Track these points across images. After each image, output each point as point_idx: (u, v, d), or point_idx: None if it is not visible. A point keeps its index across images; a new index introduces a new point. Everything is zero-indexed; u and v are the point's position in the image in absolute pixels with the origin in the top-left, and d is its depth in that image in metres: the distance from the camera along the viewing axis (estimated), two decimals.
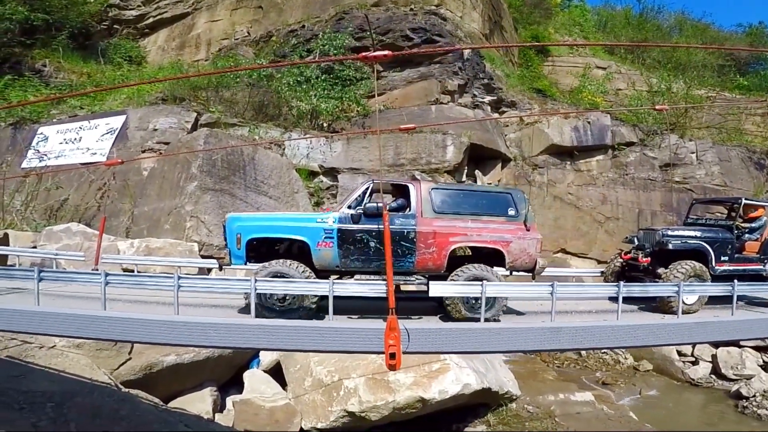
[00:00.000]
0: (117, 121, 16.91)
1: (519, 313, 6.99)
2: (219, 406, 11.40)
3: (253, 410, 10.89)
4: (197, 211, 14.84)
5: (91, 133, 16.73)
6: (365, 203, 6.51)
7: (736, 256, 8.06)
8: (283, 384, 11.74)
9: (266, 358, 12.29)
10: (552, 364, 18.05)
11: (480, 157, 21.35)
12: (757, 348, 17.97)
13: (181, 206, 14.95)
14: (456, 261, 6.76)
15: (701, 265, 7.45)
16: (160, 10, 24.62)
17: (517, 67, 29.55)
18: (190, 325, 5.53)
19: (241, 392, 11.50)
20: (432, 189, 6.79)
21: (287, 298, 6.25)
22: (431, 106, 20.89)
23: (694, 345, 18.59)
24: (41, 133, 17.35)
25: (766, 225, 8.58)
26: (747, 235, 8.45)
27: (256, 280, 5.72)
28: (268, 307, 6.25)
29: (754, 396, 14.88)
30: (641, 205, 20.66)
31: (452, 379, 10.84)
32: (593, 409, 13.39)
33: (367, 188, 6.77)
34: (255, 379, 11.73)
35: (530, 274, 7.07)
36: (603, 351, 19.26)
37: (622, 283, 6.48)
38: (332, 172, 17.85)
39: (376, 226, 6.32)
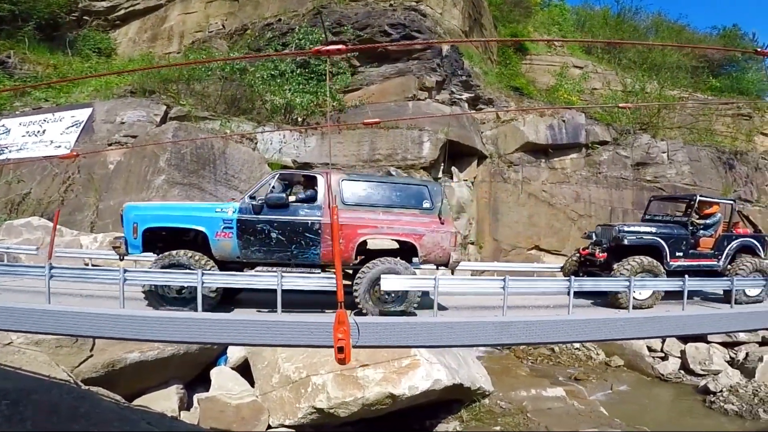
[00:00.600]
0: (83, 114, 16.46)
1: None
2: (186, 404, 11.21)
3: (218, 407, 10.76)
4: None
5: (56, 126, 16.25)
6: (267, 194, 6.42)
7: (690, 251, 8.16)
8: (252, 381, 11.60)
9: (234, 355, 12.10)
10: (526, 360, 18.18)
11: (457, 154, 21.33)
12: (724, 344, 18.36)
13: (148, 200, 14.66)
14: (376, 254, 6.70)
15: (653, 260, 7.51)
16: (132, 1, 24.00)
17: (496, 65, 29.66)
18: (136, 318, 5.38)
19: (208, 390, 11.34)
20: (342, 180, 6.72)
21: (183, 288, 6.15)
22: (408, 102, 20.80)
23: (663, 340, 18.96)
24: (2, 126, 16.81)
25: (720, 221, 8.73)
26: (702, 232, 8.56)
27: (203, 274, 5.57)
28: (162, 296, 6.16)
29: (721, 391, 15.20)
30: (613, 203, 20.93)
31: (422, 375, 10.83)
32: (564, 405, 13.54)
33: (272, 178, 6.69)
34: (222, 377, 11.58)
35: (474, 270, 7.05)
36: (575, 347, 19.52)
37: (572, 278, 6.49)
38: (306, 167, 17.65)
39: (278, 217, 6.26)
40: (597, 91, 27.24)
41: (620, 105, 12.66)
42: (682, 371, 17.41)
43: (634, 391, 16.25)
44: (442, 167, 20.62)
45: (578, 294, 7.21)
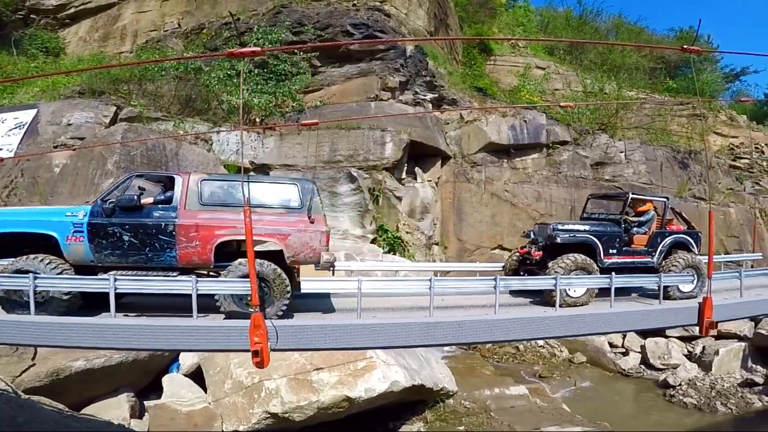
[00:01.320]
0: (27, 115, 15.74)
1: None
2: (138, 412, 10.97)
3: (169, 415, 10.53)
4: None
5: None
6: (119, 196, 6.28)
7: (624, 249, 8.21)
8: (206, 388, 11.37)
9: (186, 361, 11.91)
10: (491, 359, 18.25)
11: (420, 155, 21.30)
12: (682, 338, 18.81)
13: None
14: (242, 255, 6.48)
15: (585, 257, 7.52)
16: None
17: (461, 66, 29.83)
18: (40, 325, 5.09)
19: (161, 398, 11.06)
20: (202, 180, 6.57)
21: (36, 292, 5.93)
22: (370, 102, 20.65)
23: (624, 336, 19.33)
24: None
25: (653, 219, 8.82)
26: (636, 229, 8.63)
27: (115, 279, 5.33)
28: (15, 301, 5.98)
29: (680, 385, 15.56)
30: (573, 202, 21.22)
31: (379, 377, 10.78)
32: (527, 403, 13.60)
33: (125, 180, 6.55)
34: (175, 384, 11.37)
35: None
36: (540, 344, 19.72)
37: (498, 277, 6.47)
38: (264, 169, 17.32)
39: (130, 220, 6.13)
40: (558, 92, 27.66)
41: (561, 104, 12.78)
42: (643, 366, 17.75)
43: (597, 387, 16.45)
44: (405, 168, 20.54)
45: (519, 293, 7.21)
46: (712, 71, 34.41)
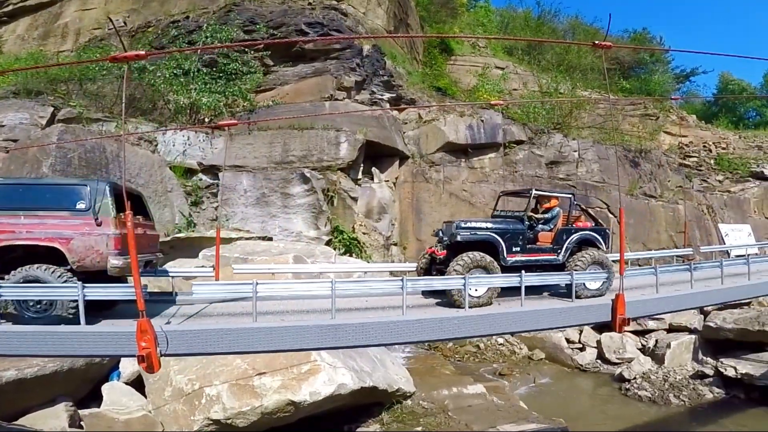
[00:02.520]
0: None
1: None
2: (77, 422, 10.47)
3: (105, 423, 10.25)
4: None
5: None
6: None
7: (528, 247, 8.02)
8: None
9: (127, 369, 11.52)
10: (452, 359, 18.24)
11: (377, 155, 21.16)
12: (635, 332, 19.15)
13: None
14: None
15: (485, 255, 7.30)
16: None
17: (421, 65, 29.88)
18: None
19: (101, 406, 10.70)
20: None
21: None
22: (325, 102, 20.38)
23: (580, 331, 19.61)
24: None
25: (559, 216, 8.64)
26: (541, 226, 8.45)
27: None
28: None
29: (634, 378, 15.81)
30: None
31: (324, 380, 10.55)
32: (484, 401, 13.54)
33: None
34: (115, 392, 11.00)
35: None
36: (499, 342, 19.83)
37: (404, 277, 6.33)
38: (213, 170, 16.84)
39: None
40: (516, 92, 28.00)
41: (492, 102, 12.78)
42: (599, 360, 17.97)
43: (556, 383, 16.62)
44: (361, 168, 20.36)
45: (436, 293, 7.05)
46: (663, 72, 35.56)
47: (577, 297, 7.50)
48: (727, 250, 17.98)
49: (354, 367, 11.33)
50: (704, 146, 29.90)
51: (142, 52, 4.10)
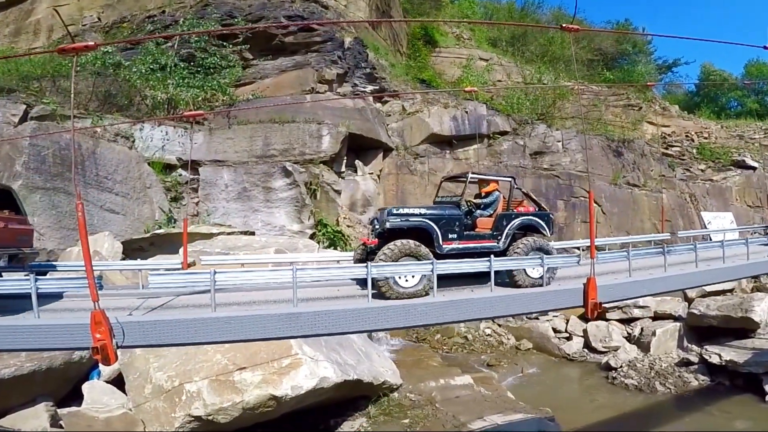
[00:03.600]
0: None
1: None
2: (58, 422, 10.32)
3: (85, 422, 10.06)
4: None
5: None
6: None
7: (466, 233, 7.54)
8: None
9: (107, 368, 11.37)
10: (441, 350, 18.23)
11: (361, 147, 21.01)
12: (621, 320, 19.28)
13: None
14: None
15: (415, 242, 6.88)
16: None
17: (405, 57, 29.70)
18: None
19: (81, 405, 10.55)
20: None
21: None
22: (306, 95, 20.17)
23: (567, 320, 19.69)
24: None
25: (498, 200, 8.13)
26: (479, 212, 7.97)
27: None
28: None
29: (621, 366, 15.87)
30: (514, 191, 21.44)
31: (306, 373, 10.42)
32: (472, 392, 13.50)
33: None
34: (95, 391, 10.85)
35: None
36: (487, 333, 19.86)
37: (369, 264, 6.16)
38: (193, 165, 16.58)
39: None
40: (500, 83, 27.96)
41: (466, 89, 12.60)
42: (586, 349, 18.05)
43: (543, 372, 16.65)
44: (344, 161, 20.18)
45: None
46: (646, 63, 35.79)
47: (518, 286, 7.19)
48: (709, 235, 18.10)
49: (337, 360, 11.22)
50: (687, 136, 30.17)
51: (92, 43, 3.92)
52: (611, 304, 15.46)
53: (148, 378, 10.43)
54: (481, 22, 32.61)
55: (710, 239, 17.50)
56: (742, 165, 28.19)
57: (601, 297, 6.27)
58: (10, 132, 14.34)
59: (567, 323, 19.67)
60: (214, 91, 17.71)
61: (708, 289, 17.73)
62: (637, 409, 13.94)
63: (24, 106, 15.17)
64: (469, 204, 8.06)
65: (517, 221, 7.72)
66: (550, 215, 8.19)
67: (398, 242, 6.79)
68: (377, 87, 23.11)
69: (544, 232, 7.86)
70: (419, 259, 6.77)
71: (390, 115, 22.98)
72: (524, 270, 7.24)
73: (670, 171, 25.87)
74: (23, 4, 21.67)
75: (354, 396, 11.75)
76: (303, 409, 10.78)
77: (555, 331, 19.53)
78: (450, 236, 7.31)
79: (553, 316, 19.73)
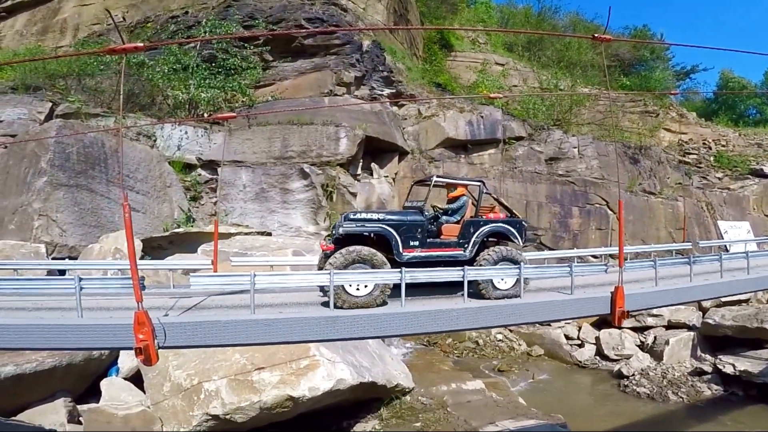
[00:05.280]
0: None
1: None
2: (76, 417, 10.48)
3: (105, 418, 10.16)
4: (47, 209, 13.45)
5: None
6: None
7: (430, 241, 7.08)
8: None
9: (125, 365, 11.49)
10: (452, 354, 18.27)
11: (376, 150, 21.14)
12: (634, 329, 19.14)
13: (27, 204, 13.49)
14: None
15: (369, 249, 6.54)
16: None
17: (421, 61, 29.81)
18: None
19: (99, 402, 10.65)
20: None
21: None
22: (324, 97, 20.35)
23: (579, 328, 19.63)
24: None
25: (465, 206, 7.61)
26: (445, 218, 7.54)
27: None
28: None
29: (633, 375, 15.76)
30: (528, 196, 21.44)
31: (323, 375, 10.53)
32: (483, 397, 13.54)
33: None
34: (114, 388, 10.97)
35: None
36: (498, 339, 19.87)
37: (403, 269, 6.07)
38: (212, 165, 16.82)
39: None
40: (516, 88, 27.93)
41: (491, 95, 12.56)
42: (598, 357, 17.96)
43: (554, 379, 16.60)
44: (360, 163, 20.34)
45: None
46: (663, 69, 35.48)
47: (485, 298, 6.79)
48: (726, 246, 17.94)
49: (353, 362, 11.31)
50: (704, 143, 29.84)
51: (140, 44, 4.06)
52: None
53: (167, 376, 10.55)
54: (505, 30, 32.62)
55: (727, 249, 17.37)
56: (759, 174, 27.82)
57: (628, 306, 6.30)
58: (36, 129, 14.69)
59: (579, 330, 19.60)
60: (234, 92, 17.97)
61: (723, 298, 17.58)
62: (649, 417, 13.88)
63: (50, 104, 15.54)
64: (435, 210, 7.74)
65: (485, 228, 7.25)
66: (523, 222, 7.82)
67: (349, 249, 6.47)
68: (394, 90, 23.25)
69: (516, 240, 7.43)
70: (372, 266, 6.46)
71: (406, 119, 23.11)
72: (491, 281, 6.84)
73: (686, 179, 25.63)
74: (50, 3, 22.16)
75: (367, 398, 11.84)
76: (316, 410, 10.87)
77: (567, 337, 19.45)
78: (411, 243, 6.91)
79: (566, 323, 19.67)
